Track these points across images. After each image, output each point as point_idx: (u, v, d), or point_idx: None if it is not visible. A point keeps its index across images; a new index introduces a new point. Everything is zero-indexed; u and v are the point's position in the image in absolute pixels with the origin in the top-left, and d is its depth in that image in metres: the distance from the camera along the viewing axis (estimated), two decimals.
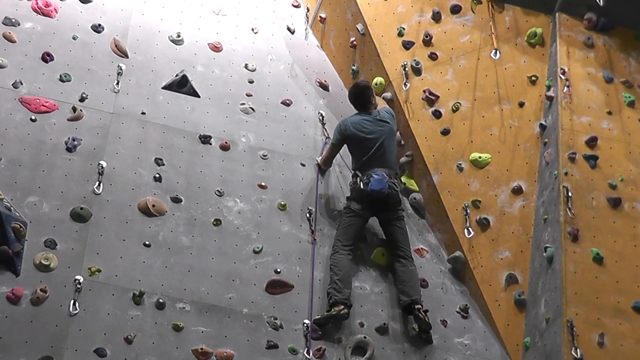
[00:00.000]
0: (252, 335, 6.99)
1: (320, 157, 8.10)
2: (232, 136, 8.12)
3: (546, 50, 8.23)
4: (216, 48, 8.71)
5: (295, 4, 9.44)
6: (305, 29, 9.24)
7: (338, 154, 8.03)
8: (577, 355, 6.73)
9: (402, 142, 8.27)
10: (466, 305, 7.61)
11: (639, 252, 7.24)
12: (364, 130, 7.72)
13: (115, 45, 8.34)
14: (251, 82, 8.57)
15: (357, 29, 8.67)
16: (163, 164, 7.71)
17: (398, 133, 8.14)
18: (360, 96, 7.91)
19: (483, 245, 7.70)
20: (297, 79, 8.79)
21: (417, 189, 8.17)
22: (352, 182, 7.74)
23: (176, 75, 8.35)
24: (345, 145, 7.92)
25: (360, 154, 7.69)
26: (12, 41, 8.03)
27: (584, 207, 7.36)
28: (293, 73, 8.83)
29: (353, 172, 7.76)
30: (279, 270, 7.40)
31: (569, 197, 7.34)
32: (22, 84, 7.77)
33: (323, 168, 8.06)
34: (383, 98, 8.32)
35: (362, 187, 7.53)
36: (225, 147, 8.01)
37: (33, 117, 7.60)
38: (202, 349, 6.80)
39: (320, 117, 8.50)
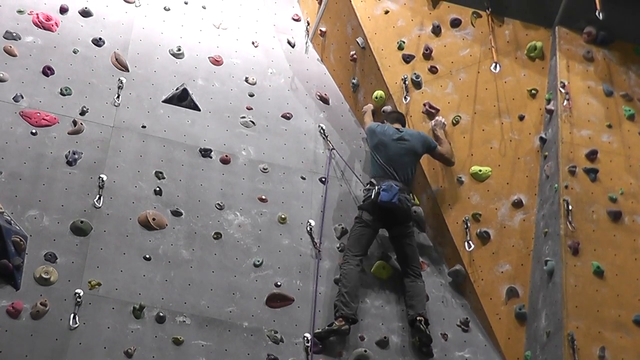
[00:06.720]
0: (252, 349, 6.97)
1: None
2: (233, 149, 8.12)
3: (546, 64, 8.24)
4: (216, 61, 8.72)
5: (296, 17, 9.46)
6: (306, 43, 9.25)
7: (347, 168, 8.19)
8: None
9: None
10: (467, 318, 7.60)
11: None
12: (387, 138, 7.74)
13: (116, 59, 8.35)
14: (251, 95, 8.58)
15: (358, 42, 8.67)
16: (163, 178, 7.71)
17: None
18: (397, 113, 8.18)
19: (483, 258, 7.69)
20: (297, 92, 8.80)
21: (418, 202, 8.16)
22: (365, 190, 7.76)
23: (177, 89, 8.36)
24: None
25: (377, 162, 7.71)
26: (12, 55, 8.05)
27: (584, 220, 7.36)
28: (293, 86, 8.84)
29: (369, 180, 7.78)
30: (279, 283, 7.39)
31: (569, 211, 7.34)
32: (22, 97, 7.78)
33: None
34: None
35: (372, 196, 7.54)
36: (225, 161, 8.01)
37: (33, 131, 7.60)
38: None
39: (321, 130, 8.51)
